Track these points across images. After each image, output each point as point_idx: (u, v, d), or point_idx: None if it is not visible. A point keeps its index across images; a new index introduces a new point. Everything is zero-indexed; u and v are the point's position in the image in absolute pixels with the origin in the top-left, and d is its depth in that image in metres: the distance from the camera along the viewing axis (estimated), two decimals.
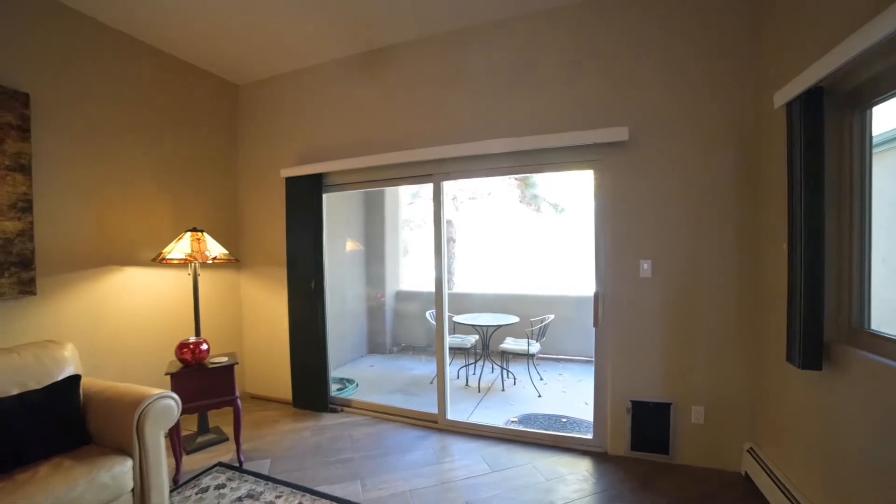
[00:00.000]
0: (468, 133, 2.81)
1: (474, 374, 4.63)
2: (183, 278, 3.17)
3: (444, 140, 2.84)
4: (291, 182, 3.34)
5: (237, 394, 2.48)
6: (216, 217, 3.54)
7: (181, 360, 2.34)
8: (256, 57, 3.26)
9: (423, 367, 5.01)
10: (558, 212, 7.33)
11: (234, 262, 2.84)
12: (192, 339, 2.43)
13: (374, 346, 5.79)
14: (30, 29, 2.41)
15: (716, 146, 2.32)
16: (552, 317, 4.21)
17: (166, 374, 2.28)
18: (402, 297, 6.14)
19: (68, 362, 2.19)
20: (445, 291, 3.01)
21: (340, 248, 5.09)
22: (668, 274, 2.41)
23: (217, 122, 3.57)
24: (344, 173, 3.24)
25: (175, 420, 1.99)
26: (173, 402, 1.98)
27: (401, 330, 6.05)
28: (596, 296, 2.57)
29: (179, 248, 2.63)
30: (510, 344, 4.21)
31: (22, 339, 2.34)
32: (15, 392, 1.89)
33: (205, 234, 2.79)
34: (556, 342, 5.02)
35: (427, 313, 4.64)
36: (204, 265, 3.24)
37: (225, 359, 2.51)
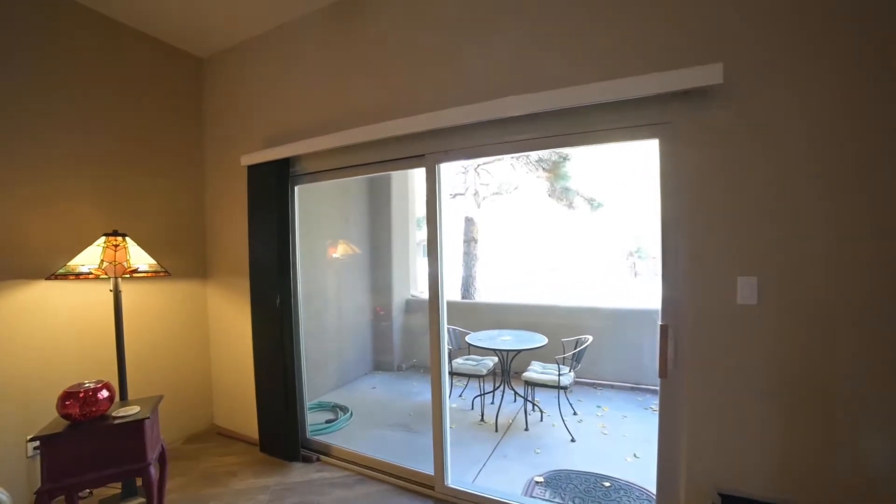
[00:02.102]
0: (473, 92, 2.00)
1: (492, 402, 3.81)
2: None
3: (441, 104, 2.03)
4: (254, 171, 2.65)
5: (149, 459, 1.79)
6: (175, 218, 2.91)
7: (65, 416, 1.68)
8: (214, 18, 2.59)
9: None
10: (594, 208, 6.34)
11: (165, 275, 2.18)
12: (90, 383, 1.77)
13: (381, 362, 5.06)
14: None
15: (871, 90, 1.39)
16: (589, 339, 3.32)
17: (30, 439, 1.62)
18: (412, 306, 5.39)
19: None
20: (443, 304, 2.21)
21: (330, 252, 4.40)
22: (788, 299, 1.50)
23: (177, 104, 2.94)
24: (316, 158, 2.52)
25: None
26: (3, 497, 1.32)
27: (411, 344, 5.30)
28: (664, 331, 1.69)
29: (86, 257, 1.99)
30: (537, 372, 3.36)
31: None
32: None
33: (127, 239, 2.14)
34: (593, 364, 4.11)
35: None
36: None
37: (135, 409, 1.84)
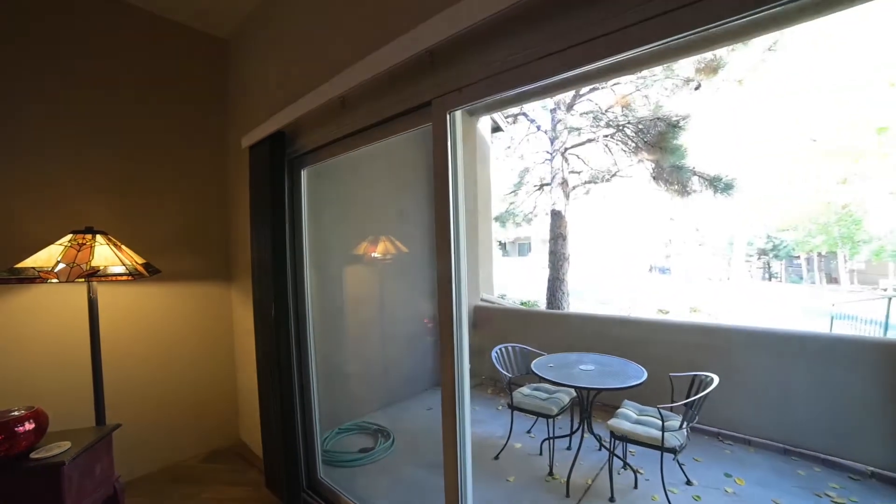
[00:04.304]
0: None
1: (568, 448, 2.89)
2: (115, 296, 2.35)
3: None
4: (253, 154, 2.22)
5: None
6: (197, 216, 2.68)
7: None
8: None
9: (497, 421, 3.45)
10: (721, 191, 4.78)
11: (138, 277, 1.83)
12: (17, 411, 1.44)
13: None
14: None
15: None
16: (713, 381, 2.20)
17: None
18: (483, 314, 4.65)
19: None
20: (461, 311, 1.45)
21: (369, 251, 3.87)
22: None
23: (199, 91, 2.69)
24: (312, 130, 1.96)
25: None
26: None
27: (479, 358, 4.55)
28: None
29: (40, 258, 1.71)
30: (630, 421, 2.36)
31: None
32: None
33: (98, 237, 1.84)
34: (718, 404, 2.88)
35: (499, 348, 3.09)
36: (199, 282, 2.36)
37: (66, 447, 1.47)
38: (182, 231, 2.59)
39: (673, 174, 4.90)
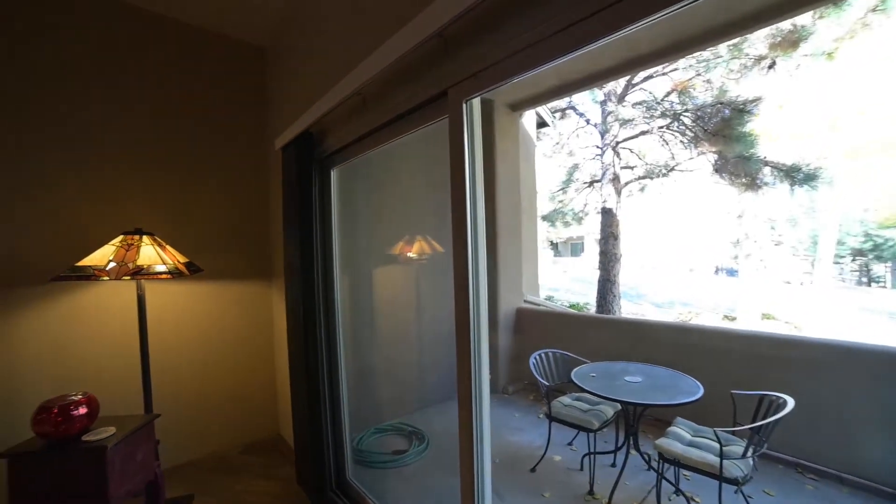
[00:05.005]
0: None
1: (612, 465, 2.66)
2: (184, 293, 2.51)
3: None
4: (285, 155, 2.26)
5: (110, 495, 1.49)
6: (238, 217, 2.80)
7: (38, 434, 1.50)
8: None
9: (536, 430, 3.28)
10: (801, 182, 4.17)
11: (178, 276, 1.93)
12: (74, 395, 1.57)
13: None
14: None
15: None
16: (787, 405, 1.89)
17: (1, 457, 1.46)
18: (525, 315, 4.48)
19: None
20: (478, 314, 1.34)
21: (404, 251, 3.83)
22: None
23: (240, 98, 2.82)
24: (337, 129, 1.95)
25: None
26: None
27: (522, 362, 4.38)
28: None
29: (96, 257, 1.85)
30: (682, 442, 2.10)
31: None
32: None
33: (145, 237, 1.96)
34: (797, 432, 2.49)
35: (538, 355, 2.93)
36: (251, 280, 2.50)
37: (110, 432, 1.57)
38: (224, 232, 2.72)
39: (739, 165, 4.36)
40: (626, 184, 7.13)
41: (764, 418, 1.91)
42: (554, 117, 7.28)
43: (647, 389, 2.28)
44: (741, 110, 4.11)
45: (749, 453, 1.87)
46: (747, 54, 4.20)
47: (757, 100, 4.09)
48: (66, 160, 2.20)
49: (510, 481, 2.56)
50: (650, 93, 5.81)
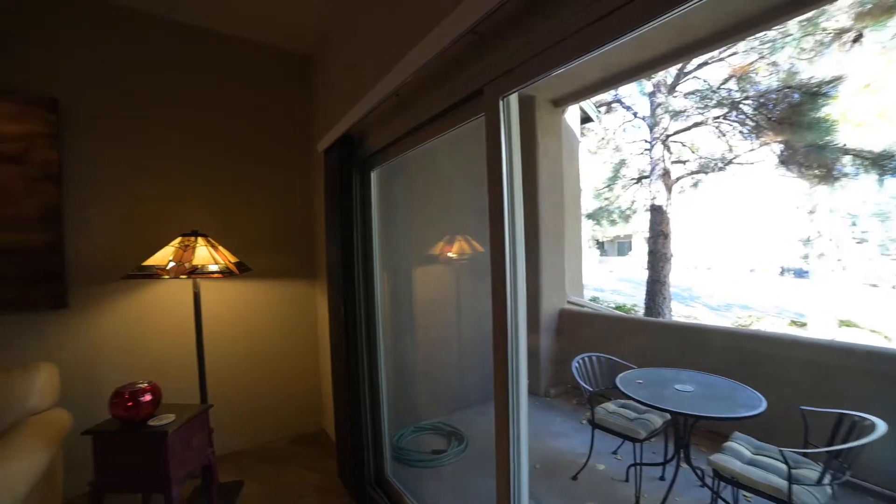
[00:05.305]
0: None
1: (661, 478, 2.51)
2: (237, 290, 2.68)
3: None
4: (327, 157, 2.33)
5: (171, 477, 1.60)
6: (286, 219, 2.94)
7: (113, 416, 1.65)
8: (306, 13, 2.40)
9: (579, 436, 3.16)
10: (893, 172, 3.65)
11: (229, 275, 2.05)
12: (142, 383, 1.71)
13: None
14: (54, 26, 2.23)
15: None
16: (879, 429, 1.66)
17: (84, 433, 1.62)
18: (568, 317, 4.34)
19: (28, 393, 1.83)
20: (516, 315, 1.31)
21: (445, 251, 3.82)
22: None
23: (286, 105, 2.95)
24: (375, 130, 1.98)
25: None
26: None
27: (563, 365, 4.25)
28: None
29: (159, 257, 2.01)
30: (742, 460, 1.93)
31: (59, 352, 2.19)
32: None
33: (200, 239, 2.10)
34: (888, 457, 2.21)
35: (581, 358, 2.82)
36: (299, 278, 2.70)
37: (170, 419, 1.69)
38: (272, 233, 2.86)
39: (811, 155, 3.91)
40: (678, 179, 6.70)
41: (844, 441, 1.70)
42: (598, 112, 6.99)
43: (701, 400, 2.12)
44: (815, 94, 3.66)
45: (826, 480, 1.68)
46: (824, 29, 3.72)
47: (836, 80, 3.61)
48: (134, 170, 2.41)
49: (550, 488, 2.48)
50: (705, 81, 5.38)
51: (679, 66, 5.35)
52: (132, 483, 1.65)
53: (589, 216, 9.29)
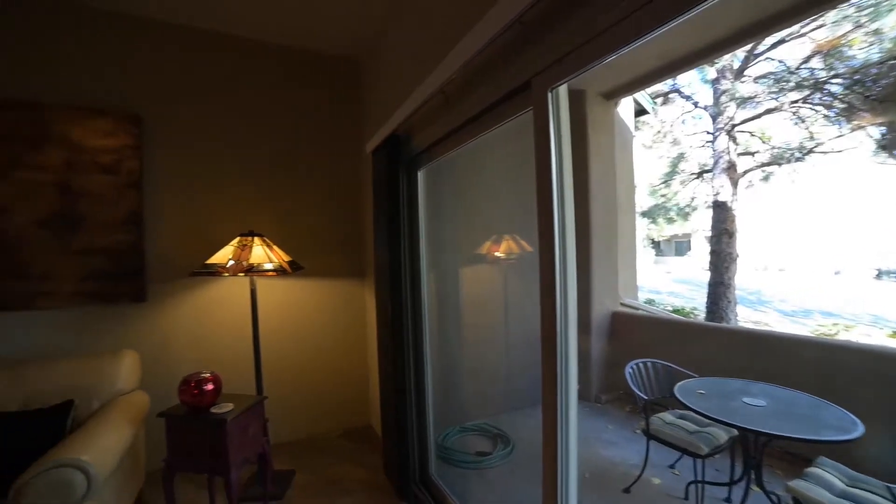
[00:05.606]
0: None
1: (727, 500, 2.29)
2: (293, 288, 2.82)
3: None
4: (375, 158, 2.37)
5: (230, 461, 1.71)
6: (336, 219, 3.04)
7: (182, 402, 1.79)
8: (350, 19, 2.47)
9: (632, 446, 2.98)
10: None
11: (283, 273, 2.15)
12: (206, 373, 1.84)
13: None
14: (134, 50, 2.47)
15: None
16: None
17: (159, 415, 1.78)
18: (622, 320, 4.13)
19: (116, 377, 2.04)
20: (570, 320, 1.25)
21: (492, 250, 3.74)
22: None
23: (336, 108, 3.05)
24: (422, 129, 1.98)
25: (79, 501, 1.39)
26: (80, 476, 1.39)
27: (615, 370, 4.03)
28: None
29: (220, 255, 2.15)
30: (833, 492, 1.69)
31: (139, 342, 2.43)
32: (14, 408, 1.80)
33: (256, 239, 2.22)
34: None
35: (636, 364, 2.67)
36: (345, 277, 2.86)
37: (229, 408, 1.80)
38: (323, 233, 2.97)
39: None
40: (745, 172, 6.12)
41: None
42: (654, 103, 6.57)
43: (776, 416, 1.90)
44: None
45: None
46: None
47: None
48: (199, 176, 2.62)
49: (600, 499, 2.36)
50: (780, 62, 4.82)
51: (749, 47, 4.83)
52: (197, 465, 1.78)
53: (644, 214, 8.78)
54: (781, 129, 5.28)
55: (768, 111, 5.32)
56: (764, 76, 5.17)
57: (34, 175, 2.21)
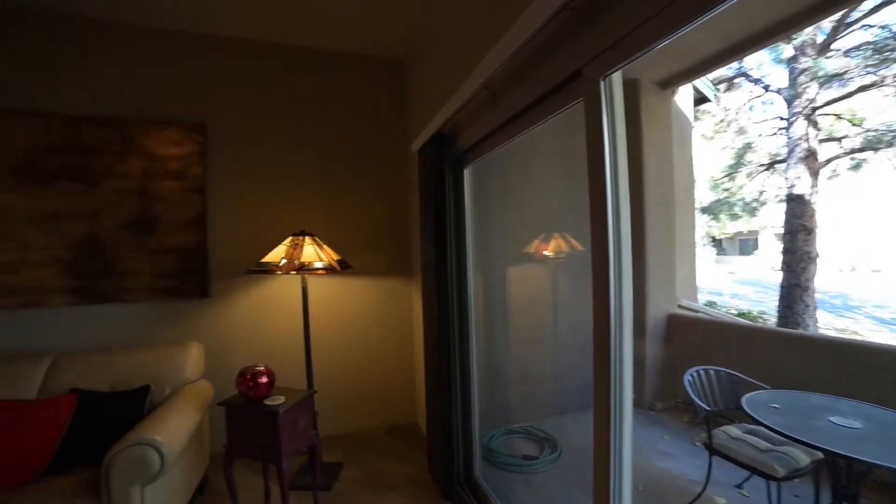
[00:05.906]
0: None
1: None
2: (342, 286, 2.92)
3: None
4: (421, 157, 2.38)
5: (282, 451, 1.79)
6: (383, 219, 3.11)
7: (239, 392, 1.90)
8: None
9: (691, 459, 2.76)
10: None
11: (332, 272, 2.23)
12: (261, 367, 1.94)
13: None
14: (201, 63, 2.67)
15: None
16: None
17: (219, 404, 1.90)
18: (679, 323, 3.87)
19: (184, 366, 2.22)
20: (625, 322, 1.16)
21: (540, 249, 3.61)
22: None
23: (380, 110, 3.11)
24: (468, 125, 1.96)
25: (155, 475, 1.53)
26: (155, 454, 1.53)
27: (672, 377, 3.77)
28: None
29: (274, 254, 2.26)
30: None
31: (203, 335, 2.63)
32: (106, 389, 2.00)
33: (307, 238, 2.31)
34: None
35: (696, 371, 2.48)
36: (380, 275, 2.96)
37: (281, 401, 1.89)
38: (371, 232, 3.05)
39: None
40: (828, 161, 5.46)
41: None
42: (717, 90, 6.05)
43: (877, 441, 1.66)
44: None
45: None
46: None
47: None
48: (255, 180, 2.79)
49: None
50: (883, 27, 4.10)
51: (838, 15, 4.18)
52: (252, 452, 1.88)
53: (704, 210, 8.14)
54: (879, 109, 4.60)
55: (862, 88, 4.65)
56: (858, 47, 4.49)
57: (120, 183, 2.48)
